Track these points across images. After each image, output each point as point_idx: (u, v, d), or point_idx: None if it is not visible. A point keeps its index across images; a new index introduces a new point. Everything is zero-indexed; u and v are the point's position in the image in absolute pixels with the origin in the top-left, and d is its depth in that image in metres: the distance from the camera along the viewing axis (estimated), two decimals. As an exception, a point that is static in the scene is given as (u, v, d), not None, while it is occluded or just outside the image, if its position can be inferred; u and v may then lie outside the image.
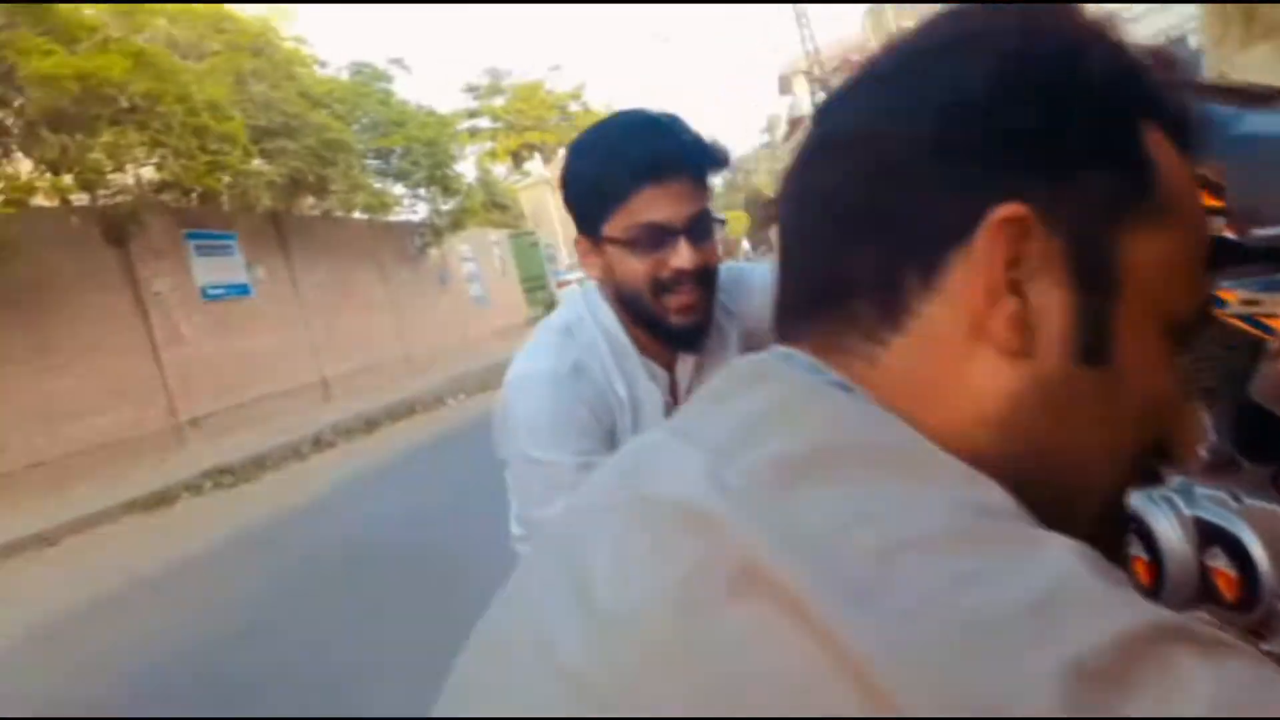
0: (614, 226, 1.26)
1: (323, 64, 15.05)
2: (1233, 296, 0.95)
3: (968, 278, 0.47)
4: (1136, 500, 1.19)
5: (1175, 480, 1.20)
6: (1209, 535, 1.12)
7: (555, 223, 32.46)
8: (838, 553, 0.38)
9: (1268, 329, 0.96)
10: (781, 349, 0.53)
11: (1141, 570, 1.19)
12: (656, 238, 1.24)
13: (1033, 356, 0.48)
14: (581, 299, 1.41)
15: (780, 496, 0.41)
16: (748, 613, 0.38)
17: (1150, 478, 0.56)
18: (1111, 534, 0.54)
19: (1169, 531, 1.15)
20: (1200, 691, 0.34)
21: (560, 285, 22.58)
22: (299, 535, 5.85)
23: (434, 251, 17.98)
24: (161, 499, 7.74)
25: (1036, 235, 0.47)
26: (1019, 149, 0.48)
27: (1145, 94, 0.51)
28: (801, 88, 32.79)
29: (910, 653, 0.35)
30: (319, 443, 9.43)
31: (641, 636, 0.40)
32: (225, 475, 8.29)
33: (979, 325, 0.47)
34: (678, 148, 1.26)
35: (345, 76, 15.72)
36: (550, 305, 23.10)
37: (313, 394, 13.06)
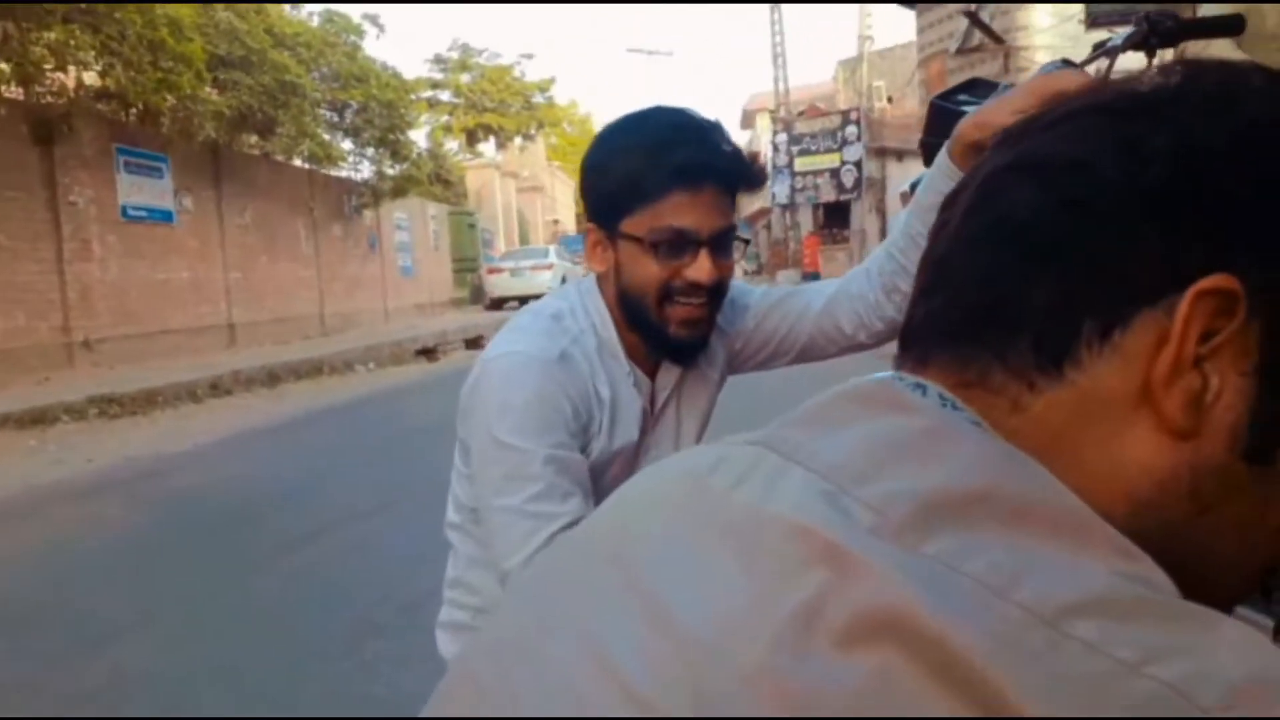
0: (636, 224, 1.20)
1: (295, 5, 14.67)
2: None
3: (1153, 342, 0.44)
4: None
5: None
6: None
7: (498, 208, 32.18)
8: (1000, 609, 0.35)
9: None
10: (910, 376, 0.48)
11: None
12: (678, 245, 1.19)
13: (1195, 441, 0.44)
14: (575, 290, 1.34)
15: (921, 538, 0.38)
16: (873, 660, 0.34)
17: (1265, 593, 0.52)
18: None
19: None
20: None
21: (490, 272, 22.33)
22: (168, 482, 5.60)
23: (369, 214, 17.63)
24: (39, 418, 7.36)
25: (1239, 314, 0.43)
26: (1244, 219, 0.44)
27: None
28: (764, 124, 33.23)
29: None
30: (216, 388, 9.10)
31: (732, 667, 0.36)
32: (112, 405, 7.92)
33: (1151, 396, 0.44)
34: (720, 157, 1.21)
35: (316, 23, 15.33)
36: (477, 289, 22.91)
37: (218, 337, 12.63)
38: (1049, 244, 0.46)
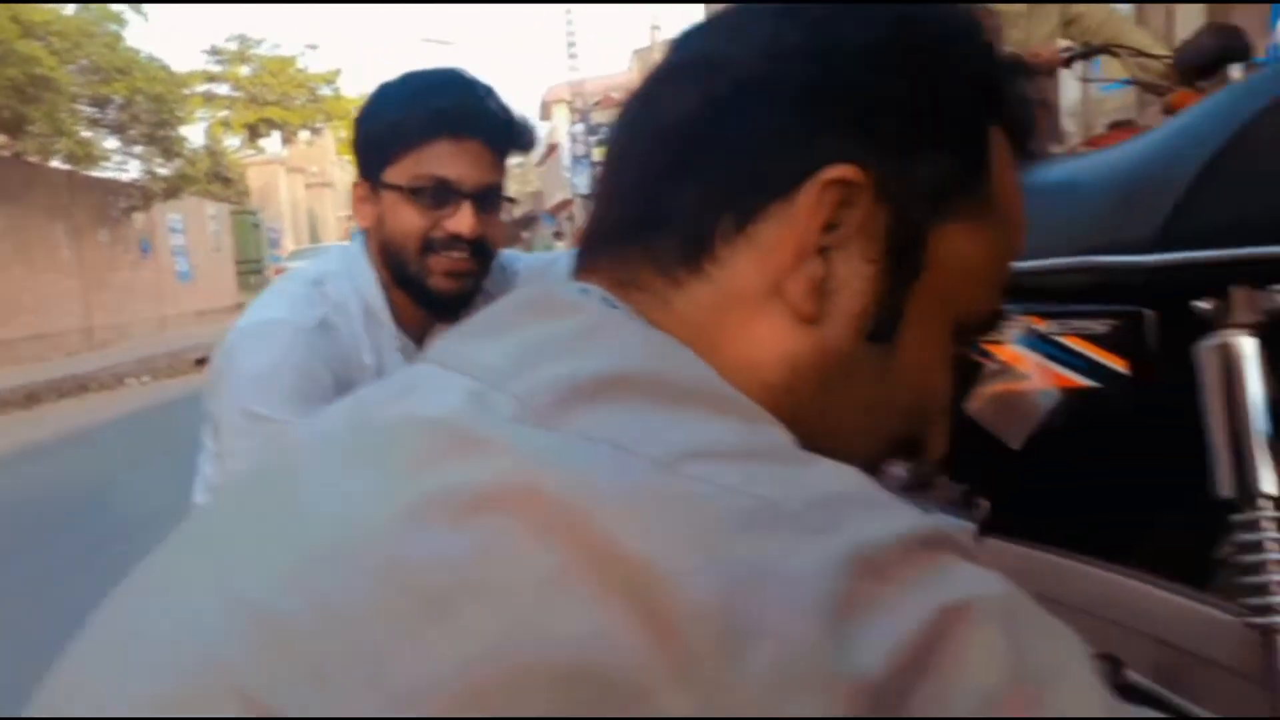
0: (398, 173, 1.19)
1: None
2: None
3: (781, 233, 0.45)
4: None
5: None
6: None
7: (283, 205, 30.64)
8: (626, 462, 0.36)
9: (986, 354, 1.04)
10: (576, 282, 0.49)
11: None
12: (440, 194, 1.18)
13: (821, 325, 0.47)
14: (340, 254, 1.30)
15: (563, 418, 0.38)
16: (480, 528, 0.35)
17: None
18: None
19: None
20: (965, 589, 0.36)
21: (279, 272, 21.28)
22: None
23: (140, 217, 16.34)
24: None
25: (862, 204, 0.46)
26: (869, 113, 0.46)
27: (1001, 96, 0.50)
28: (562, 115, 33.35)
29: (685, 541, 0.34)
30: (-43, 413, 8.21)
31: (355, 563, 0.36)
32: None
33: (778, 284, 0.46)
34: (484, 110, 1.21)
35: (71, 11, 14.01)
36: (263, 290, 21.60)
37: (-36, 357, 11.38)
38: (693, 143, 0.47)
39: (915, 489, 1.22)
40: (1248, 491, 0.78)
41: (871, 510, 0.37)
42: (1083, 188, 0.92)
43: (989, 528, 1.08)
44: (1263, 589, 0.78)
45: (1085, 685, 0.36)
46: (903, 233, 0.47)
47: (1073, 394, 0.90)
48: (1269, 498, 0.78)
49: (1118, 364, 0.87)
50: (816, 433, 0.46)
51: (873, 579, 0.34)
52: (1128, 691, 0.89)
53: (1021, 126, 0.52)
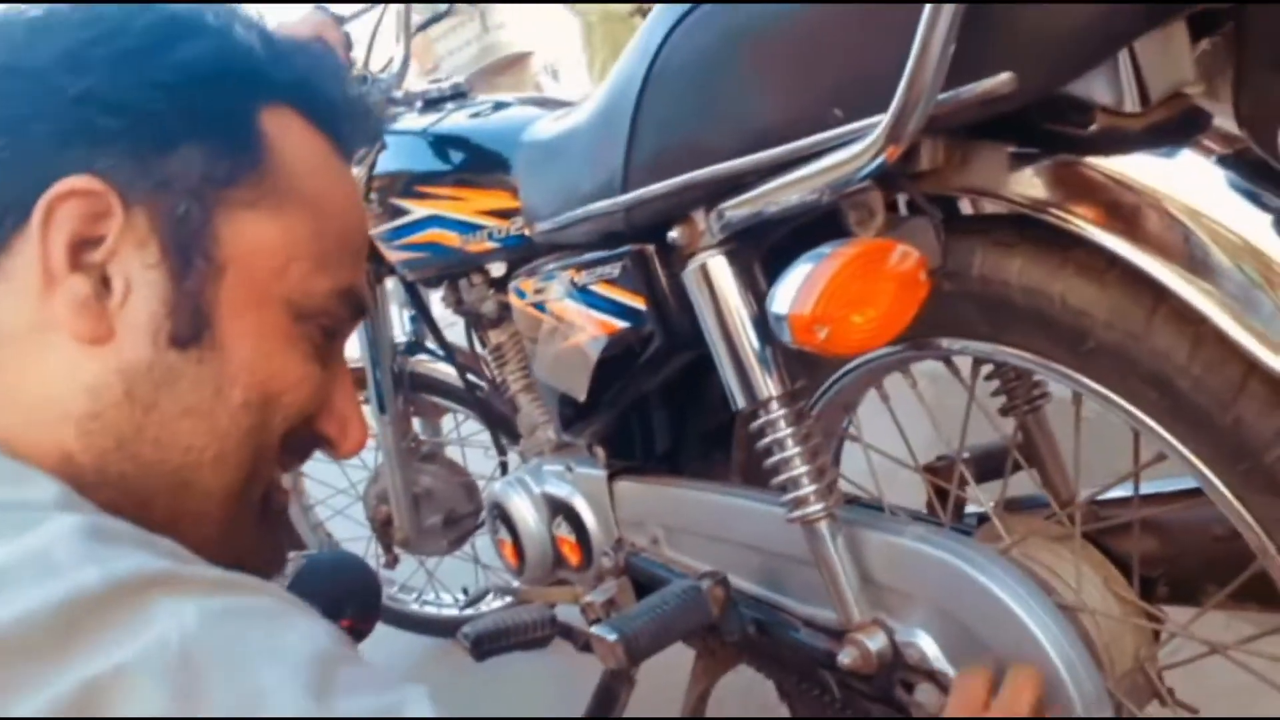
0: None
1: None
2: (529, 286, 1.06)
3: (28, 260, 0.44)
4: (496, 488, 1.31)
5: (530, 461, 1.33)
6: (554, 508, 1.26)
7: None
8: None
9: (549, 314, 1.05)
10: None
11: (508, 553, 1.31)
12: None
13: (114, 343, 0.45)
14: None
15: None
16: None
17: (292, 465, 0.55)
18: (263, 531, 0.54)
19: (523, 511, 1.28)
20: (166, 622, 0.36)
21: None
22: None
23: None
24: None
25: (114, 212, 0.44)
26: (102, 119, 0.44)
27: (270, 80, 0.50)
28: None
29: None
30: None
31: None
32: None
33: (47, 313, 0.44)
34: None
35: None
36: None
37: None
38: None
39: (562, 447, 1.25)
40: (755, 398, 0.80)
41: (92, 559, 0.37)
42: (577, 137, 0.92)
43: (618, 472, 1.11)
44: (794, 484, 0.80)
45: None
46: (177, 232, 0.46)
47: (613, 337, 0.91)
48: (775, 399, 0.80)
49: (638, 301, 0.88)
50: (155, 458, 0.46)
51: (88, 624, 0.35)
52: (736, 601, 0.93)
53: (313, 102, 0.51)
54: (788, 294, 0.62)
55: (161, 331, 0.46)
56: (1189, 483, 0.75)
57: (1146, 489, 0.78)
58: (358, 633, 1.28)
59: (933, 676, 0.78)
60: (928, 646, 0.78)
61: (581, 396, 0.97)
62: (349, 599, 1.23)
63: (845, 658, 0.81)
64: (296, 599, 0.44)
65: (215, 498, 0.50)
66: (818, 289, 0.60)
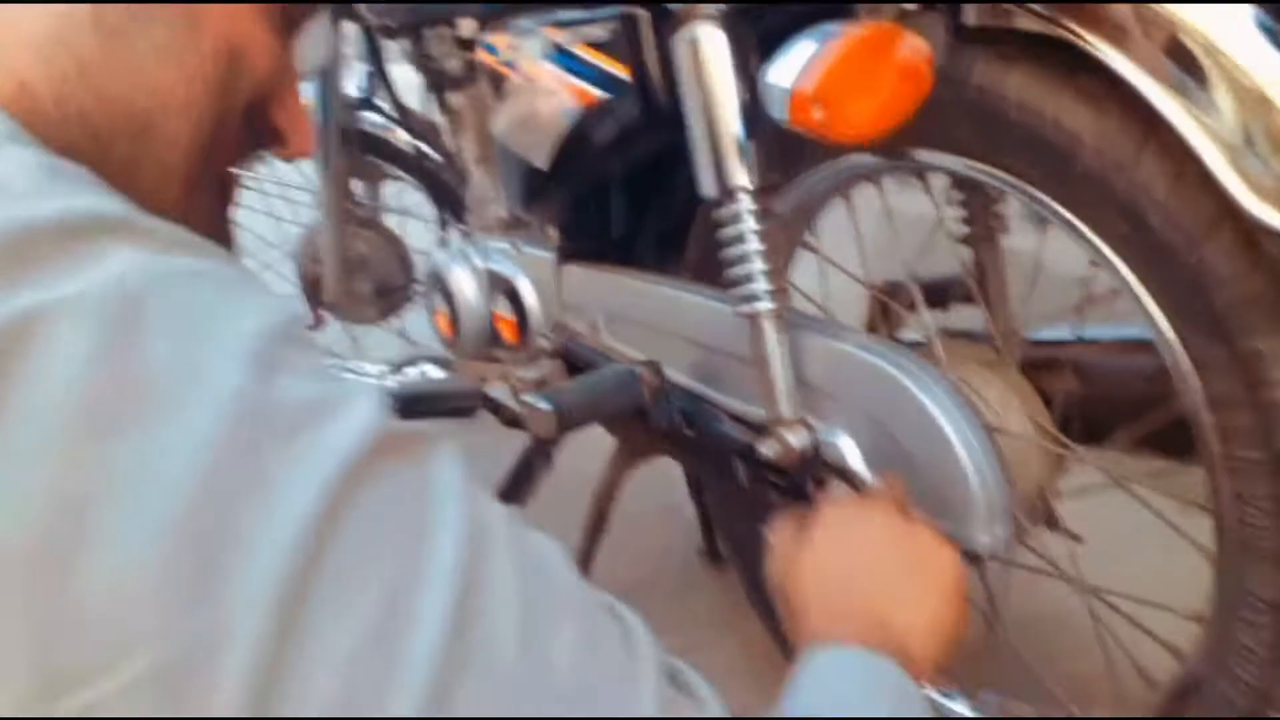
0: None
1: None
2: (502, 42, 1.01)
3: None
4: (438, 258, 1.29)
5: (475, 237, 1.31)
6: (496, 285, 1.25)
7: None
8: None
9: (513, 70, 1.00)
10: None
11: (442, 323, 1.30)
12: None
13: None
14: None
15: None
16: None
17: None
18: (220, 213, 0.53)
19: (464, 285, 1.26)
20: (116, 267, 0.34)
21: None
22: None
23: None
24: None
25: None
26: None
27: None
28: None
29: None
30: None
31: None
32: None
33: None
34: None
35: None
36: None
37: None
38: None
39: (510, 225, 1.23)
40: (725, 186, 0.79)
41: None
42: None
43: (567, 255, 1.10)
44: (746, 279, 0.81)
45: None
46: None
47: (589, 108, 0.88)
48: (745, 190, 0.79)
49: (622, 70, 0.84)
50: (117, 88, 0.44)
51: None
52: (668, 390, 0.95)
53: None
54: (791, 68, 0.60)
55: None
56: (1128, 332, 0.78)
57: (1086, 333, 0.81)
58: None
59: (846, 476, 0.82)
60: (848, 449, 0.81)
61: (543, 165, 0.94)
62: None
63: (768, 450, 0.84)
64: (256, 276, 0.43)
65: (180, 147, 0.48)
66: (824, 65, 0.58)
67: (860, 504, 0.67)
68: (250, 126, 0.53)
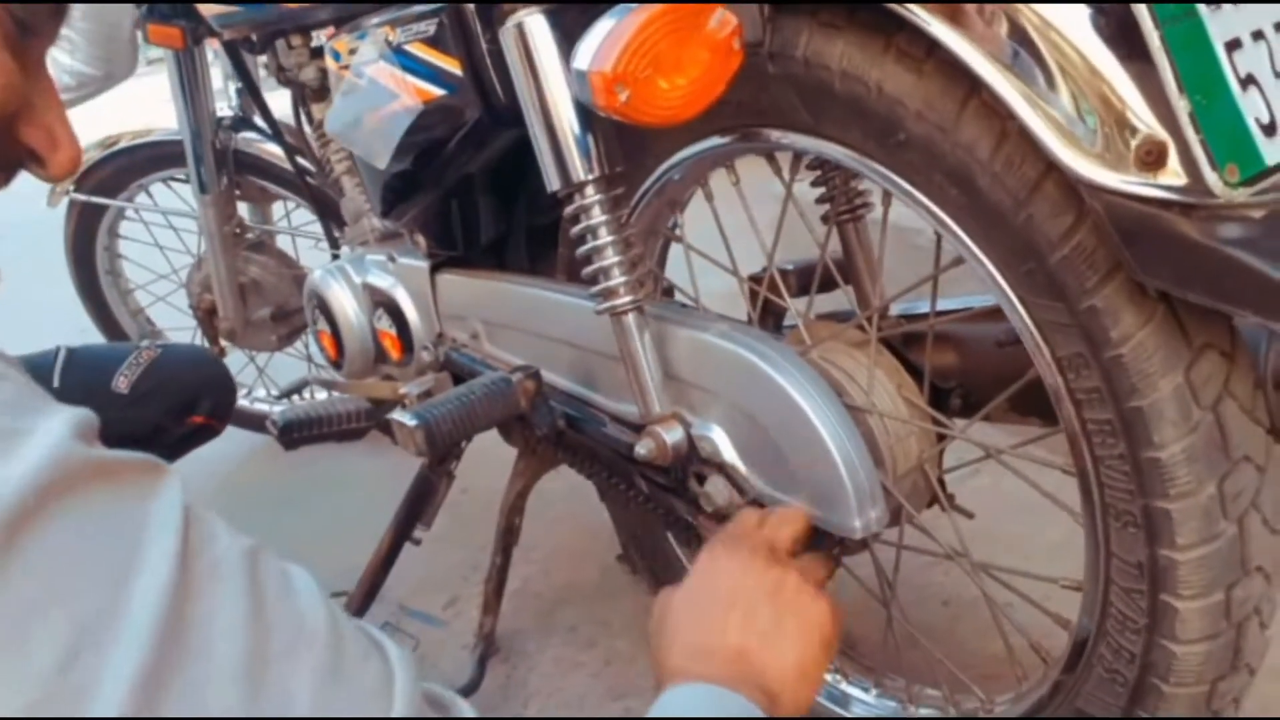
0: None
1: None
2: (343, 47, 0.97)
3: None
4: (316, 275, 1.24)
5: (355, 251, 1.26)
6: (376, 300, 1.21)
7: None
8: None
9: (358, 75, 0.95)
10: None
11: (328, 344, 1.26)
12: None
13: None
14: None
15: None
16: None
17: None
18: None
19: (343, 302, 1.22)
20: None
21: None
22: None
23: None
24: None
25: None
26: None
27: None
28: None
29: None
30: None
31: None
32: None
33: None
34: None
35: None
36: None
37: None
38: None
39: (387, 237, 1.19)
40: (569, 180, 0.76)
41: None
42: None
43: (440, 264, 1.07)
44: (604, 274, 0.78)
45: None
46: None
47: (429, 106, 0.84)
48: (590, 182, 0.76)
49: (454, 65, 0.81)
50: None
51: None
52: (547, 395, 0.92)
53: None
54: (590, 49, 0.57)
55: None
56: (986, 301, 0.76)
57: (946, 304, 0.79)
58: (210, 430, 1.25)
59: (723, 470, 0.79)
60: (721, 441, 0.79)
61: (382, 165, 0.90)
62: (205, 395, 1.23)
63: (642, 449, 0.81)
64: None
65: None
66: (621, 43, 0.55)
67: (733, 546, 0.66)
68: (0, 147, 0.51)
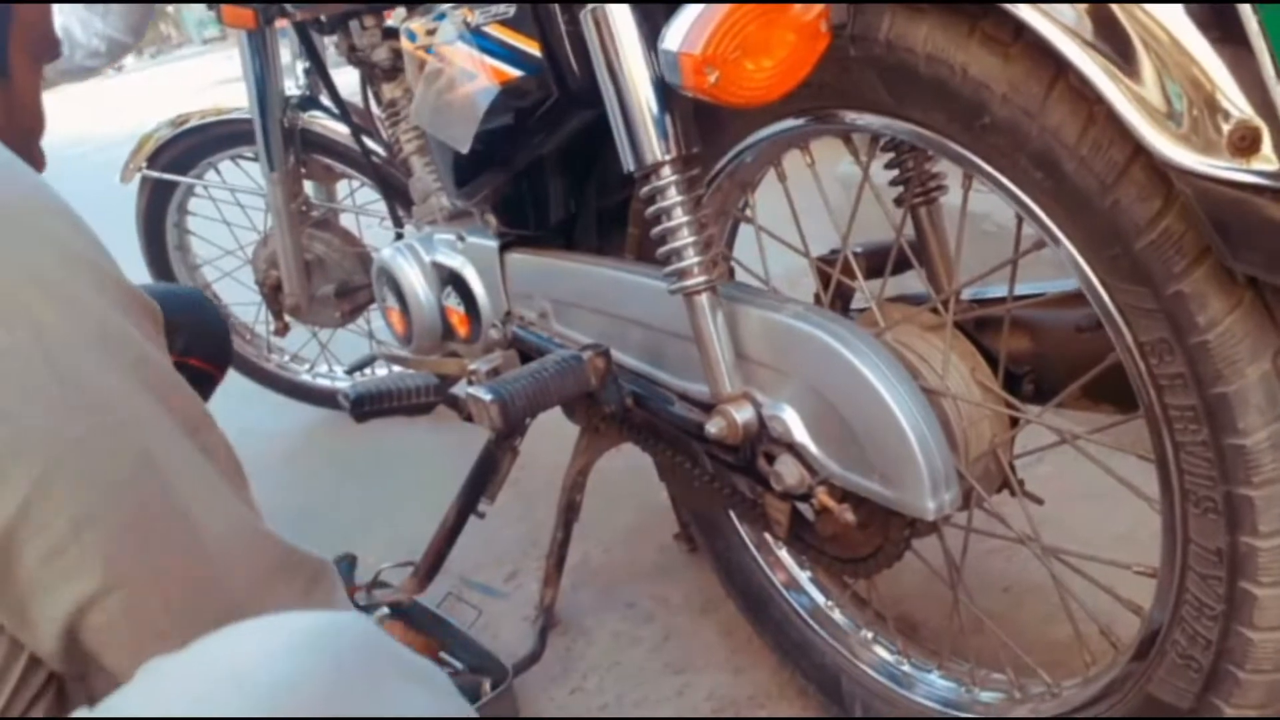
0: None
1: None
2: (420, 28, 0.98)
3: None
4: (385, 254, 1.27)
5: (422, 229, 1.29)
6: (444, 278, 1.23)
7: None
8: None
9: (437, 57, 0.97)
10: None
11: (396, 321, 1.29)
12: None
13: None
14: None
15: None
16: None
17: None
18: None
19: (413, 280, 1.24)
20: None
21: None
22: None
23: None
24: None
25: None
26: None
27: None
28: None
29: None
30: None
31: None
32: None
33: None
34: None
35: None
36: None
37: None
38: None
39: (455, 217, 1.21)
40: (645, 161, 0.77)
41: None
42: None
43: (510, 243, 1.08)
44: (678, 255, 0.79)
45: None
46: None
47: (506, 87, 0.86)
48: (667, 163, 0.77)
49: (533, 46, 0.82)
50: None
51: None
52: (616, 373, 0.93)
53: None
54: (680, 31, 0.58)
55: None
56: (1064, 286, 0.76)
57: (1023, 289, 0.79)
58: (208, 376, 1.21)
59: (794, 449, 0.80)
60: (792, 421, 0.79)
61: (464, 149, 0.92)
62: (196, 339, 1.14)
63: (712, 427, 0.82)
64: None
65: None
66: (711, 26, 0.56)
67: None
68: None
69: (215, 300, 1.95)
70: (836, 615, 1.06)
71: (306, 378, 1.99)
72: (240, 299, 1.93)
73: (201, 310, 1.20)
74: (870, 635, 1.03)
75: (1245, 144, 0.51)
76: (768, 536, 1.10)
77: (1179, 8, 0.52)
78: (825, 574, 1.09)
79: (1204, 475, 0.62)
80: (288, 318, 1.74)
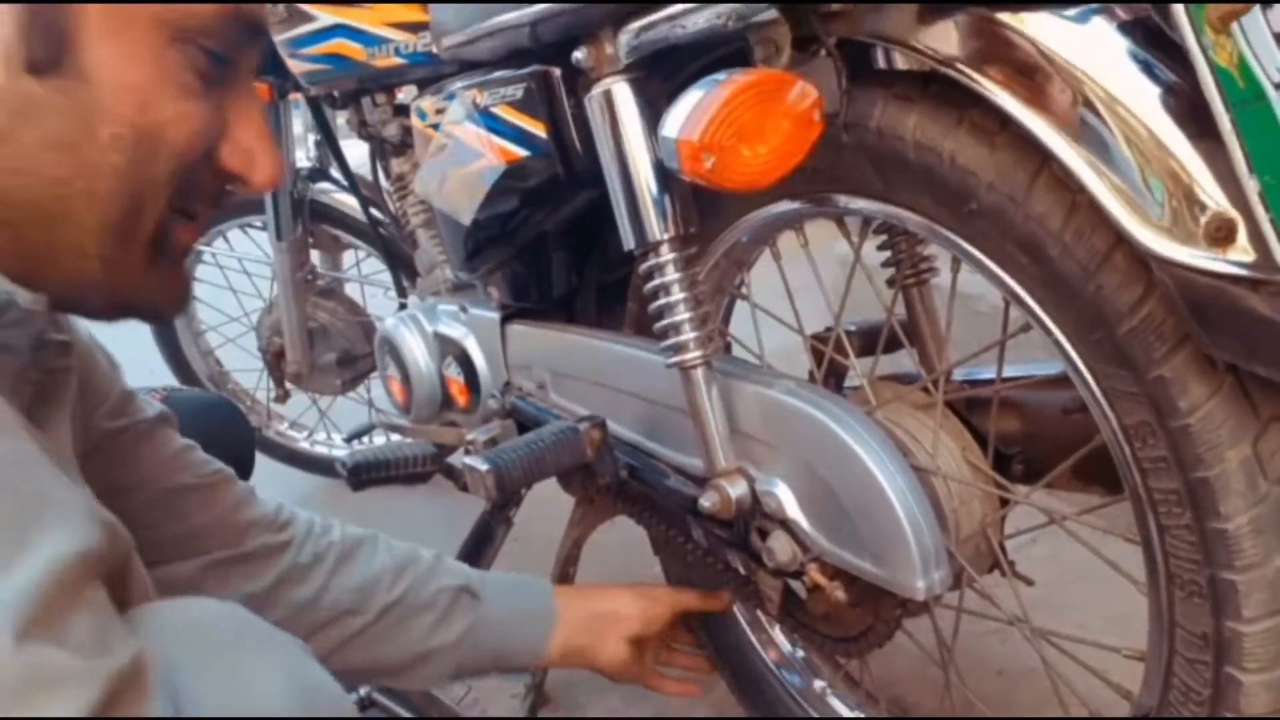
0: None
1: None
2: (430, 107, 1.02)
3: None
4: (389, 322, 1.29)
5: (426, 300, 1.31)
6: (445, 348, 1.25)
7: None
8: None
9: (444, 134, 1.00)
10: None
11: (396, 390, 1.30)
12: None
13: None
14: None
15: None
16: None
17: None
18: (156, 272, 0.54)
19: (413, 349, 1.26)
20: None
21: None
22: None
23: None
24: None
25: None
26: None
27: None
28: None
29: None
30: None
31: None
32: None
33: None
34: None
35: None
36: None
37: None
38: None
39: (459, 288, 1.23)
40: (645, 239, 0.79)
41: None
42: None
43: (511, 315, 1.10)
44: (675, 329, 0.80)
45: None
46: None
47: (512, 166, 0.89)
48: (666, 241, 0.79)
49: (539, 128, 0.85)
50: (13, 181, 0.46)
51: None
52: (612, 445, 0.94)
53: None
54: (679, 117, 0.60)
55: (16, 57, 0.45)
56: (1051, 368, 0.77)
57: (1011, 370, 0.81)
58: None
59: (786, 525, 0.81)
60: (785, 497, 0.80)
61: (466, 222, 0.95)
62: (216, 446, 1.05)
63: (706, 501, 0.83)
64: None
65: (90, 232, 0.49)
66: (708, 114, 0.58)
67: None
68: (193, 185, 0.54)
69: (219, 368, 1.97)
70: (829, 697, 1.06)
71: (305, 445, 1.99)
72: (242, 365, 1.94)
73: (228, 422, 1.18)
74: (862, 717, 1.02)
75: (1221, 235, 0.54)
76: (760, 614, 1.10)
77: (1157, 104, 0.55)
78: (818, 653, 1.08)
79: (1188, 559, 0.63)
80: (289, 385, 1.76)
